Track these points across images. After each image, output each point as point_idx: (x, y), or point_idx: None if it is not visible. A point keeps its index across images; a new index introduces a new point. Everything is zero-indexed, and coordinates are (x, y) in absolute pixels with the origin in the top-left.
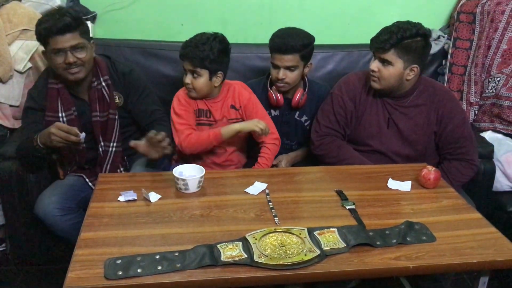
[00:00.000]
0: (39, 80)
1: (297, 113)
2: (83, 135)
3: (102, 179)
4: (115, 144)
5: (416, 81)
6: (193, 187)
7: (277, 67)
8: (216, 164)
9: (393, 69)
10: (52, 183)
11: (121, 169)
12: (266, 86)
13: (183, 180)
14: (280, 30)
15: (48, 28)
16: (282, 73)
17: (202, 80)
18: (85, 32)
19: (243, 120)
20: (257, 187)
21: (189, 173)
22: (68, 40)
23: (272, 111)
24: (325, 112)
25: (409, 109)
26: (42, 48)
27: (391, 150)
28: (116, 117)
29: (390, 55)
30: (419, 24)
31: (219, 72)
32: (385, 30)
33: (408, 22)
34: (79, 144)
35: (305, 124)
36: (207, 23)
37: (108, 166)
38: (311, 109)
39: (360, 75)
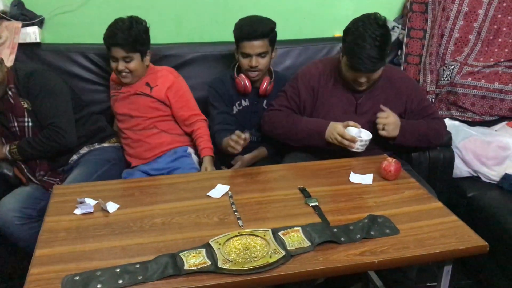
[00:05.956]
0: None
1: (265, 101)
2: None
3: (57, 191)
4: None
5: None
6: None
7: (248, 55)
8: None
9: (378, 74)
10: (10, 192)
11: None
12: (232, 76)
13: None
14: (242, 20)
15: None
16: (255, 61)
17: (135, 63)
18: None
19: (153, 98)
20: (219, 190)
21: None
22: None
23: (243, 101)
24: (278, 96)
25: (374, 94)
26: None
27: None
28: (26, 123)
29: (379, 71)
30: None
31: (148, 51)
32: (368, 57)
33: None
34: None
35: None
36: (161, 22)
37: (41, 172)
38: None
39: (319, 65)
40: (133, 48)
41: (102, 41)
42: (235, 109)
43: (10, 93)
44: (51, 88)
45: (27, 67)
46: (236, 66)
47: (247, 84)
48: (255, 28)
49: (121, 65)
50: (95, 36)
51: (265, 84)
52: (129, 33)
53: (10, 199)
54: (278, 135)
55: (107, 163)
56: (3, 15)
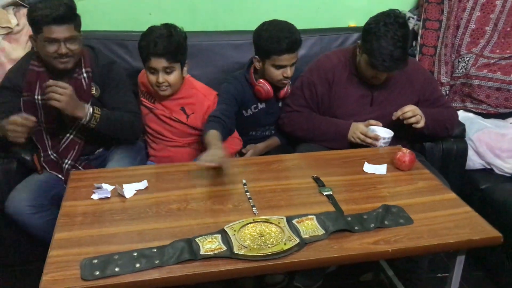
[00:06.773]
0: (21, 60)
1: (280, 102)
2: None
3: (74, 177)
4: (74, 132)
5: None
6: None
7: (282, 67)
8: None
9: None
10: (23, 180)
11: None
12: (249, 80)
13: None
14: (270, 31)
15: (45, 15)
16: (290, 71)
17: (176, 74)
18: (78, 24)
19: (190, 126)
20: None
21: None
22: (63, 31)
23: (259, 104)
24: (293, 94)
25: (388, 86)
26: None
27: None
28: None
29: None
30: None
31: (186, 62)
32: (391, 58)
33: (404, 36)
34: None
35: None
36: (176, 11)
37: (70, 161)
38: None
39: (332, 58)
40: (175, 58)
41: (119, 28)
42: (249, 112)
43: (85, 75)
44: (128, 81)
45: (106, 56)
46: (252, 70)
47: (270, 90)
48: (295, 40)
49: (161, 78)
50: (112, 23)
51: (286, 87)
52: (169, 41)
53: (23, 188)
54: (299, 137)
55: (142, 149)
56: (20, 2)
